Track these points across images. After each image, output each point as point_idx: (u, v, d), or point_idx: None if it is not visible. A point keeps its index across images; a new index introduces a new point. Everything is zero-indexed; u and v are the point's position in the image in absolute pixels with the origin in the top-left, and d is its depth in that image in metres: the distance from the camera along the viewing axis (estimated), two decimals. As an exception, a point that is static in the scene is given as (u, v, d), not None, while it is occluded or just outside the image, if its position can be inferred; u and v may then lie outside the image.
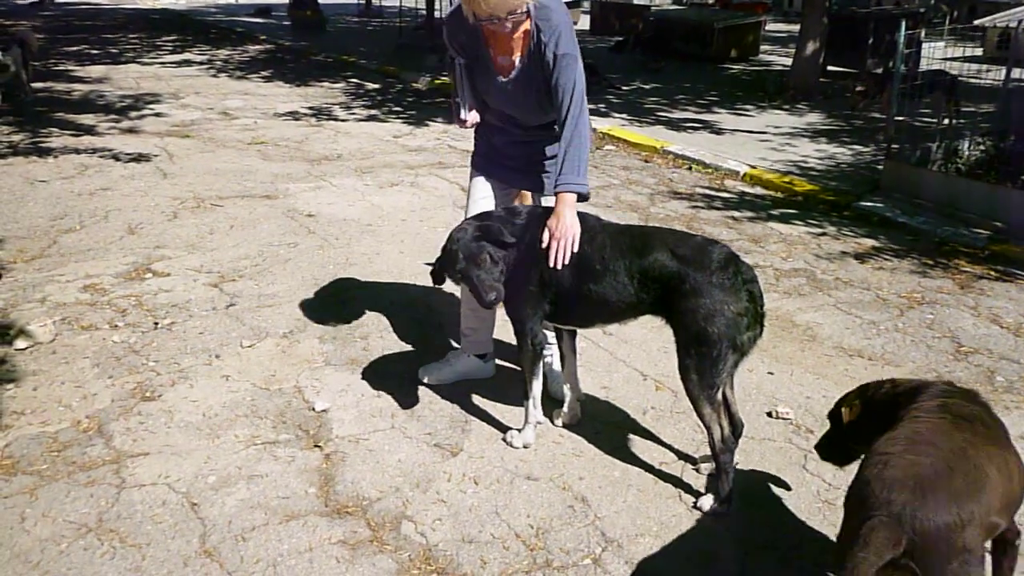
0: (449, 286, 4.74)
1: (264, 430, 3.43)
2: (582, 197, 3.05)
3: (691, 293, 2.81)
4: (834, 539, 2.69)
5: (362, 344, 4.16)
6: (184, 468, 3.16)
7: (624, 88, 11.71)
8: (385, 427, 3.47)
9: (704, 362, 2.82)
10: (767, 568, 2.71)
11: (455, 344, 4.13)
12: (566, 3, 4.10)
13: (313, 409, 3.59)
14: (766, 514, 2.97)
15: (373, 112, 10.13)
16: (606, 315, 3.15)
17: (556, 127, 3.18)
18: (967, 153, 7.07)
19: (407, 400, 3.64)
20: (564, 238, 2.98)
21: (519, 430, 3.36)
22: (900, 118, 8.66)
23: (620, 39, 16.15)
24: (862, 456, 2.24)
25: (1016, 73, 8.47)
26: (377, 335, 4.25)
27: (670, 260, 2.88)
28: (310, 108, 10.25)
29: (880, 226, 6.15)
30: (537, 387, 3.32)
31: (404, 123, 9.56)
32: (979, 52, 13.78)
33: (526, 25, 3.02)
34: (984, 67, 10.65)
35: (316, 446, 3.33)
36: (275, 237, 5.60)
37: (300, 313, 4.48)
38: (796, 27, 20.05)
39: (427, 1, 16.80)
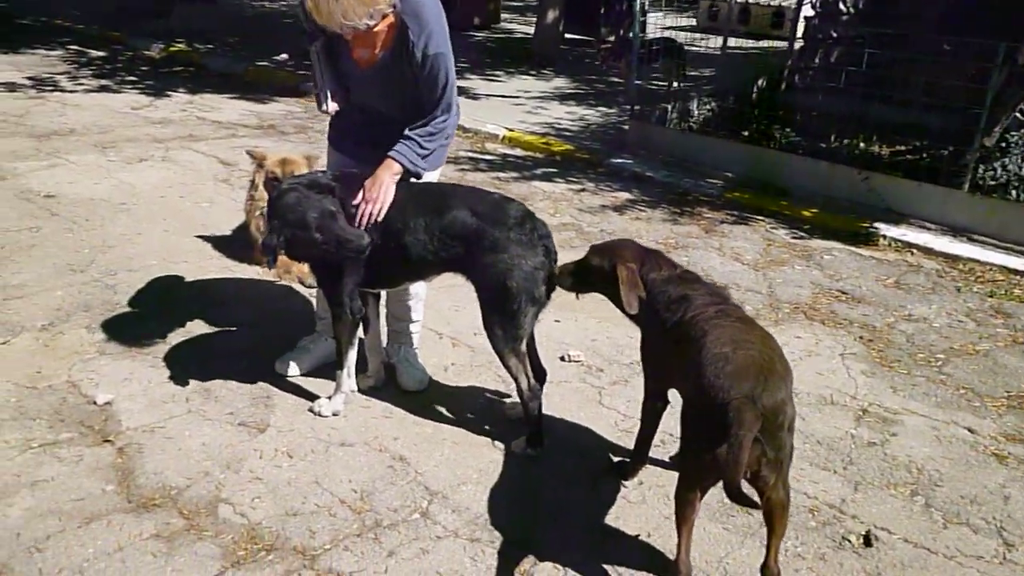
0: (226, 266, 4.54)
1: (39, 431, 3.10)
2: (410, 174, 3.03)
3: (490, 249, 2.90)
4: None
5: (138, 329, 3.86)
6: (-53, 485, 2.79)
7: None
8: (181, 412, 3.27)
9: (506, 316, 2.94)
10: (581, 496, 2.92)
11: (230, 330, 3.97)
12: None
13: (95, 403, 3.29)
14: (574, 449, 3.19)
15: (104, 82, 9.23)
16: (411, 274, 3.19)
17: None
18: (697, 112, 7.85)
19: (200, 381, 3.46)
20: (374, 202, 2.95)
21: (328, 398, 3.32)
22: (638, 82, 9.40)
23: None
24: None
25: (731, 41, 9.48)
26: (153, 318, 3.97)
27: (469, 217, 2.94)
28: (27, 78, 9.11)
29: (632, 180, 6.67)
30: (352, 357, 3.29)
31: (142, 94, 8.81)
32: (693, 22, 15.19)
33: (389, 19, 2.84)
34: (699, 35, 11.78)
35: (106, 441, 3.08)
36: (10, 222, 4.99)
37: (59, 302, 4.06)
38: (531, -4, 20.87)
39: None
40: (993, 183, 5.94)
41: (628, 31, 12.02)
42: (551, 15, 11.41)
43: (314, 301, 4.20)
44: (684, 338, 2.47)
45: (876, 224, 5.68)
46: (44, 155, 6.37)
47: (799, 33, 8.97)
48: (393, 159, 3.00)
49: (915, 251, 5.40)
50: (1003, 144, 6.34)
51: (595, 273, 2.84)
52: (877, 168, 6.29)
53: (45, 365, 3.54)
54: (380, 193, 2.97)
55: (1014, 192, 5.73)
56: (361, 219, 2.97)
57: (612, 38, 12.33)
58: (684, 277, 2.72)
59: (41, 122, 7.35)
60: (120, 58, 10.79)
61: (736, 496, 2.05)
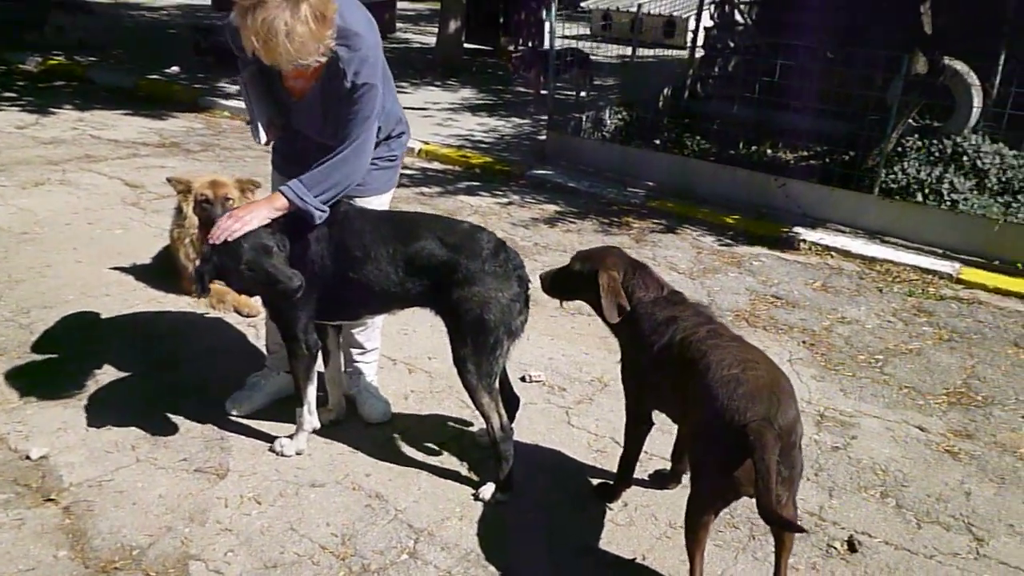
0: (152, 297, 4.27)
1: (-31, 495, 2.81)
2: (299, 210, 2.80)
3: (464, 282, 2.78)
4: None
5: (64, 372, 3.56)
6: None
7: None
8: (129, 462, 3.03)
9: (482, 350, 2.81)
10: (568, 521, 2.86)
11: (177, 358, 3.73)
12: None
13: (28, 458, 3.01)
14: (551, 473, 3.13)
15: (-22, 100, 8.57)
16: (373, 307, 3.05)
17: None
18: (609, 122, 7.96)
19: (146, 427, 3.21)
20: (237, 219, 2.75)
21: (290, 437, 3.15)
22: (545, 92, 9.44)
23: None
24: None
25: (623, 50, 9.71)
26: (80, 359, 3.66)
27: (439, 248, 2.81)
28: None
29: (556, 192, 6.67)
30: (312, 392, 3.12)
31: (24, 111, 8.21)
32: (586, 31, 15.42)
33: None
34: (594, 45, 11.97)
35: (48, 500, 2.81)
36: (-103, 259, 4.54)
37: (-32, 347, 3.71)
38: (420, 5, 20.81)
39: (15, -32, 14.50)
40: (895, 186, 6.26)
41: (534, 41, 12.16)
42: (453, 25, 11.35)
43: (257, 332, 4.01)
44: (678, 361, 2.46)
45: (795, 229, 5.89)
46: (-76, 182, 5.84)
47: (695, 43, 9.25)
48: (282, 191, 2.80)
49: (835, 254, 5.62)
50: (899, 149, 6.70)
51: (577, 280, 2.81)
52: (791, 175, 6.52)
53: (-36, 419, 3.22)
54: (247, 214, 2.77)
55: (919, 195, 6.04)
56: (216, 233, 2.74)
57: (512, 47, 12.44)
58: (671, 299, 2.70)
59: (-86, 145, 6.75)
60: (-7, 73, 10.04)
61: (775, 519, 2.04)
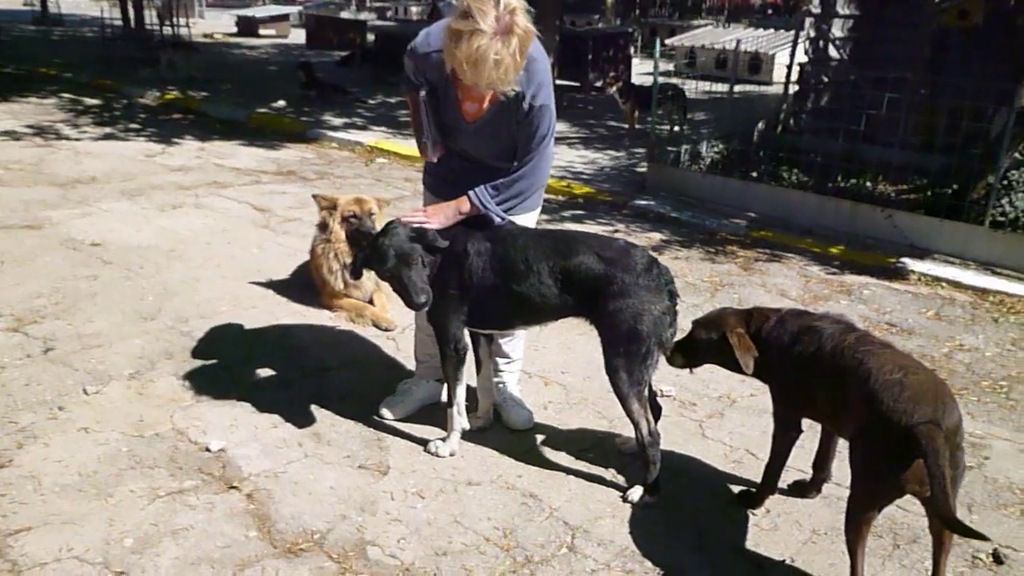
0: (295, 311, 4.58)
1: (162, 480, 3.08)
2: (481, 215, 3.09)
3: (620, 294, 2.95)
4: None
5: (228, 375, 3.86)
6: (87, 536, 2.76)
7: (371, 102, 11.73)
8: (298, 457, 3.28)
9: (634, 360, 2.97)
10: (715, 525, 2.99)
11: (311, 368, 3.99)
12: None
13: (207, 450, 3.28)
14: (692, 480, 3.26)
15: (108, 130, 9.20)
16: (527, 317, 3.23)
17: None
18: (706, 154, 8.11)
19: (308, 426, 3.47)
20: (426, 214, 3.09)
21: (443, 439, 3.36)
22: (639, 126, 9.66)
23: (347, 53, 16.07)
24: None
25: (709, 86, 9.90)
26: (240, 365, 3.96)
27: (596, 262, 3.00)
28: (28, 127, 9.05)
29: (659, 221, 6.85)
30: (462, 394, 3.33)
31: (150, 141, 8.79)
32: (671, 67, 15.64)
33: None
34: (679, 81, 12.18)
35: (232, 487, 3.07)
36: (65, 271, 4.94)
37: (139, 350, 4.04)
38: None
39: (134, 10, 15.53)
40: (1003, 219, 6.25)
41: (623, 77, 12.43)
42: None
43: (396, 345, 4.26)
44: (832, 367, 2.58)
45: (903, 259, 5.92)
46: (74, 203, 6.33)
47: (790, 77, 9.35)
48: (469, 196, 3.09)
49: (945, 284, 5.63)
50: (1004, 182, 6.68)
51: (704, 347, 3.00)
52: (896, 206, 6.56)
53: (145, 413, 3.51)
54: (434, 211, 3.11)
55: (1030, 227, 6.03)
56: (405, 216, 3.12)
57: (599, 84, 12.72)
58: (793, 313, 2.88)
59: (59, 170, 7.30)
60: (116, 106, 10.74)
61: (950, 520, 2.15)
